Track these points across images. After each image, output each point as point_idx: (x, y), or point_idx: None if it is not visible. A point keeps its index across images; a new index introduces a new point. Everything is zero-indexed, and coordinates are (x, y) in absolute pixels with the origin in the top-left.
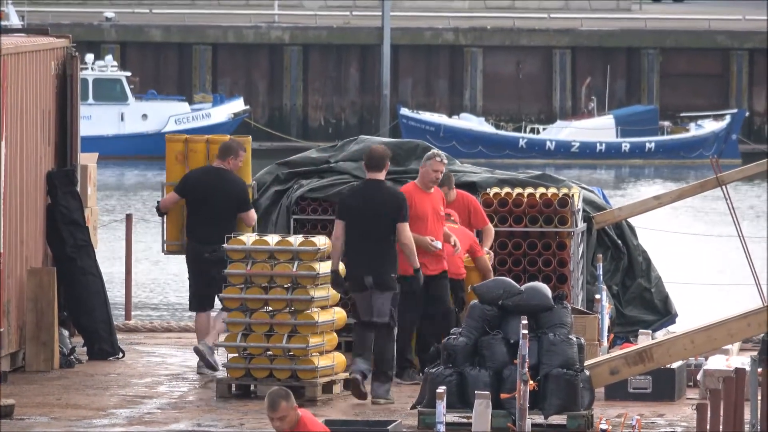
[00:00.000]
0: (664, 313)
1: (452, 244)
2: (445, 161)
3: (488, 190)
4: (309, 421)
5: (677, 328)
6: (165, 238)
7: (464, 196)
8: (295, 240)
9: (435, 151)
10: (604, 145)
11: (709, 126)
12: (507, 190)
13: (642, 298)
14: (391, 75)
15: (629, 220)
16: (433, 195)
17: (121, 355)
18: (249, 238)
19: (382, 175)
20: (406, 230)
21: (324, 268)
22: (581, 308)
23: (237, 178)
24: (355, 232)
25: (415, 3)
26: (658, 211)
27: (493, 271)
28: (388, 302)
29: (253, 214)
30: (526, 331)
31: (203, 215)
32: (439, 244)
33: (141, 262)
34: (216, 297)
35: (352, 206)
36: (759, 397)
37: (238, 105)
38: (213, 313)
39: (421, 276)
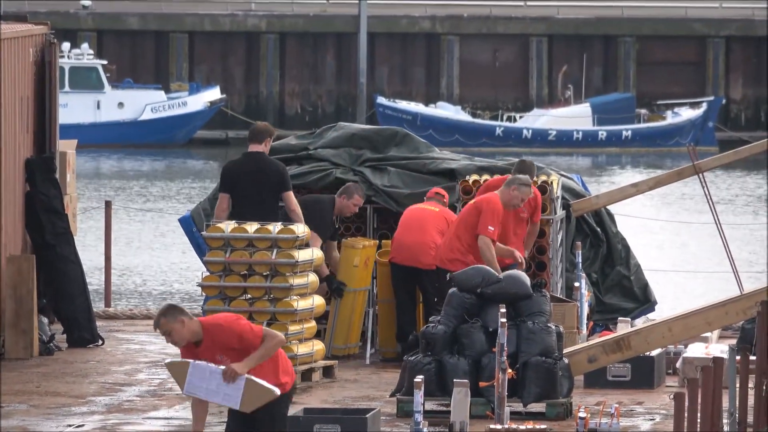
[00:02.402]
0: (644, 301)
1: (518, 260)
2: (531, 191)
3: (467, 177)
4: (216, 326)
5: (656, 315)
6: None
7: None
8: (274, 228)
9: (525, 179)
10: (580, 133)
11: (686, 114)
12: (486, 177)
13: (621, 286)
14: (367, 63)
15: (608, 207)
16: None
17: (100, 342)
18: (228, 226)
19: (261, 147)
20: (291, 198)
21: (303, 256)
22: (560, 296)
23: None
24: (241, 203)
25: None
26: (637, 198)
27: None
28: None
29: (293, 195)
30: (504, 320)
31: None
32: (520, 257)
33: (121, 249)
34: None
35: (235, 178)
36: (737, 386)
37: (214, 93)
38: None
39: None
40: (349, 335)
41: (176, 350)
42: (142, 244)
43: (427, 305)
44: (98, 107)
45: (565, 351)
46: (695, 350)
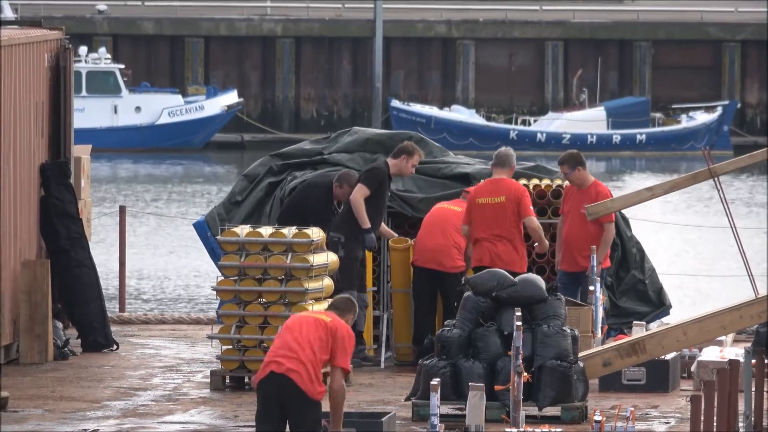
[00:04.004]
0: (658, 305)
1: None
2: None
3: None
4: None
5: (671, 319)
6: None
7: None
8: (289, 232)
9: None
10: (595, 136)
11: (701, 118)
12: None
13: (636, 290)
14: (383, 67)
15: (623, 211)
16: None
17: (115, 347)
18: (243, 230)
19: None
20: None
21: (318, 260)
22: (575, 300)
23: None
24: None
25: None
26: (652, 202)
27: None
28: None
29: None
30: (519, 323)
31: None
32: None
33: (136, 254)
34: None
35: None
36: (753, 389)
37: (231, 97)
38: None
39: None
40: (361, 338)
41: (188, 355)
42: (157, 249)
43: (448, 310)
44: (115, 111)
45: (580, 355)
46: (710, 353)
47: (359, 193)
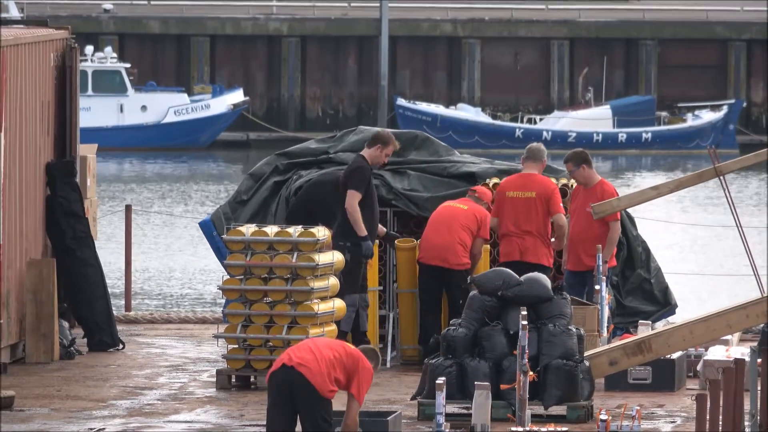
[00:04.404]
0: (664, 304)
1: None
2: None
3: (488, 180)
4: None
5: (677, 318)
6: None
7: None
8: (295, 231)
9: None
10: (600, 135)
11: (707, 116)
12: None
13: (641, 289)
14: (389, 66)
15: (628, 210)
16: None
17: (121, 346)
18: (248, 229)
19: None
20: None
21: (324, 259)
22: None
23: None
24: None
25: None
26: (657, 201)
27: (493, 262)
28: None
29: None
30: (525, 322)
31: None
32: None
33: (142, 253)
34: None
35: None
36: (758, 388)
37: (237, 96)
38: None
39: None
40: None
41: (194, 354)
42: (163, 248)
43: (453, 308)
44: (121, 110)
45: (586, 354)
46: (716, 353)
47: (354, 200)
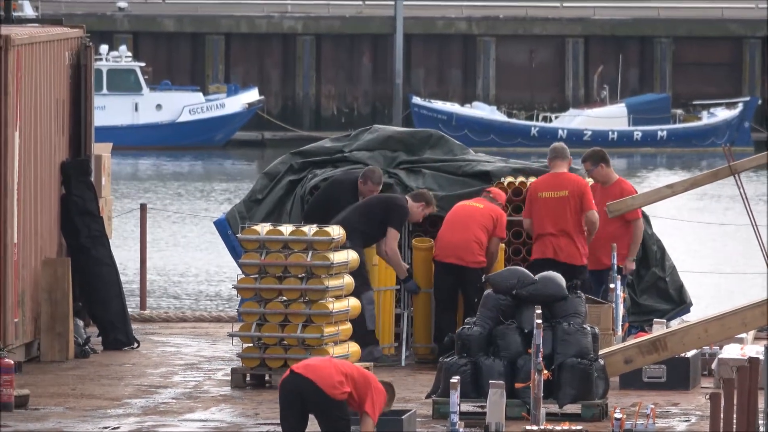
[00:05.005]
0: (679, 303)
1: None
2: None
3: (502, 179)
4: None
5: (692, 317)
6: None
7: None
8: (310, 230)
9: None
10: (616, 133)
11: (722, 114)
12: (521, 179)
13: (656, 288)
14: (403, 64)
15: (643, 208)
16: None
17: (135, 345)
18: (263, 228)
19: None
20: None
21: (338, 257)
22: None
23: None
24: None
25: None
26: (672, 199)
27: (507, 261)
28: None
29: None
30: (540, 321)
31: None
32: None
33: (157, 252)
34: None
35: None
36: None
37: (252, 95)
38: None
39: None
40: (382, 336)
41: (209, 352)
42: (178, 247)
43: (468, 306)
44: (136, 109)
45: (601, 352)
46: (731, 351)
47: (394, 242)
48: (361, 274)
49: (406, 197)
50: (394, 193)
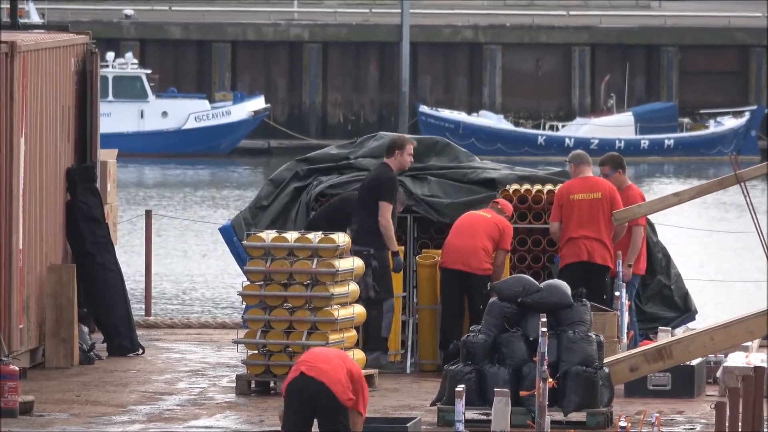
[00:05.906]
0: (684, 310)
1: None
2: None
3: (508, 186)
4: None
5: (697, 325)
6: None
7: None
8: (315, 237)
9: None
10: (623, 142)
11: (729, 123)
12: (527, 186)
13: (662, 295)
14: (410, 72)
15: (648, 216)
16: None
17: (140, 351)
18: (268, 235)
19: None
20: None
21: (344, 265)
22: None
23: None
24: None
25: (435, 1)
26: (678, 207)
27: (513, 269)
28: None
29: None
30: (545, 329)
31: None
32: None
33: (162, 259)
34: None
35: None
36: None
37: (258, 103)
38: None
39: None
40: (389, 343)
41: (213, 359)
42: (183, 253)
43: (473, 313)
44: (142, 116)
45: (606, 360)
46: (736, 359)
47: (387, 213)
48: (384, 281)
49: (383, 163)
50: (399, 197)
